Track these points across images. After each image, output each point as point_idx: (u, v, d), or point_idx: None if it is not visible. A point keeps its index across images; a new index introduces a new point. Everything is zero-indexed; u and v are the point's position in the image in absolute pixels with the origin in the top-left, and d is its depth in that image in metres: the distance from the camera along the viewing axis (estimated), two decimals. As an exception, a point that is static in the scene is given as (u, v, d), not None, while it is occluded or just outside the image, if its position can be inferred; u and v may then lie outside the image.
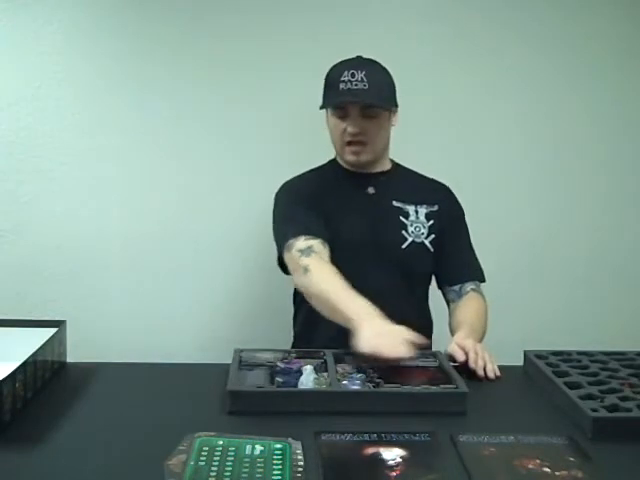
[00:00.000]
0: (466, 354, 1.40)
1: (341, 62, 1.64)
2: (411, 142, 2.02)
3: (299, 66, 2.08)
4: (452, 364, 1.37)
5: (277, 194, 1.71)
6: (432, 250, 1.68)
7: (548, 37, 2.15)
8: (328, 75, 1.64)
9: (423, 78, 2.10)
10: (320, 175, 1.74)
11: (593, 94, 2.20)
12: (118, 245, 2.12)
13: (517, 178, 2.22)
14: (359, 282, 1.56)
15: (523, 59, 2.15)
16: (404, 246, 1.64)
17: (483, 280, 1.73)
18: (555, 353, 1.43)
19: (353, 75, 1.56)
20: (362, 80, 1.56)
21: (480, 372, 1.37)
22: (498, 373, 1.39)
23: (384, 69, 1.64)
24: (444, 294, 1.73)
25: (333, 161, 1.76)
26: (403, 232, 1.65)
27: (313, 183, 1.71)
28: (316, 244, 1.55)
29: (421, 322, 1.69)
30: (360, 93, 1.56)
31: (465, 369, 1.37)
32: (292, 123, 2.09)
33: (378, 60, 1.65)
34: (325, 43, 2.05)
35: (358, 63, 1.61)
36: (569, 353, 1.44)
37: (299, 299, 1.71)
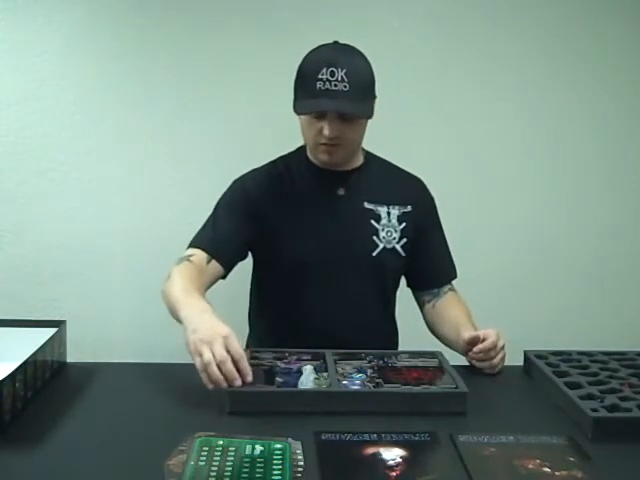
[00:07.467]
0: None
1: (317, 51, 1.47)
2: (410, 142, 2.03)
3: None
4: (466, 338, 1.39)
5: (226, 190, 1.59)
6: (403, 255, 1.57)
7: (547, 37, 2.15)
8: (303, 67, 1.47)
9: (422, 78, 2.10)
10: (284, 169, 1.59)
11: (593, 94, 2.19)
12: (118, 245, 2.12)
13: (517, 178, 2.21)
14: (326, 290, 1.54)
15: (522, 59, 2.15)
16: (375, 253, 1.54)
17: (456, 276, 1.66)
18: (555, 353, 1.43)
19: (332, 74, 1.39)
20: (342, 80, 1.39)
21: (482, 363, 1.38)
22: (495, 370, 1.39)
23: (363, 58, 1.47)
24: (418, 295, 1.66)
25: (302, 151, 1.61)
26: (374, 238, 1.54)
27: (270, 182, 1.57)
28: (198, 255, 1.46)
29: (388, 328, 1.68)
30: (340, 95, 1.39)
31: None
32: (294, 123, 2.09)
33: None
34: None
35: (337, 55, 1.42)
36: (569, 353, 1.44)
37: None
